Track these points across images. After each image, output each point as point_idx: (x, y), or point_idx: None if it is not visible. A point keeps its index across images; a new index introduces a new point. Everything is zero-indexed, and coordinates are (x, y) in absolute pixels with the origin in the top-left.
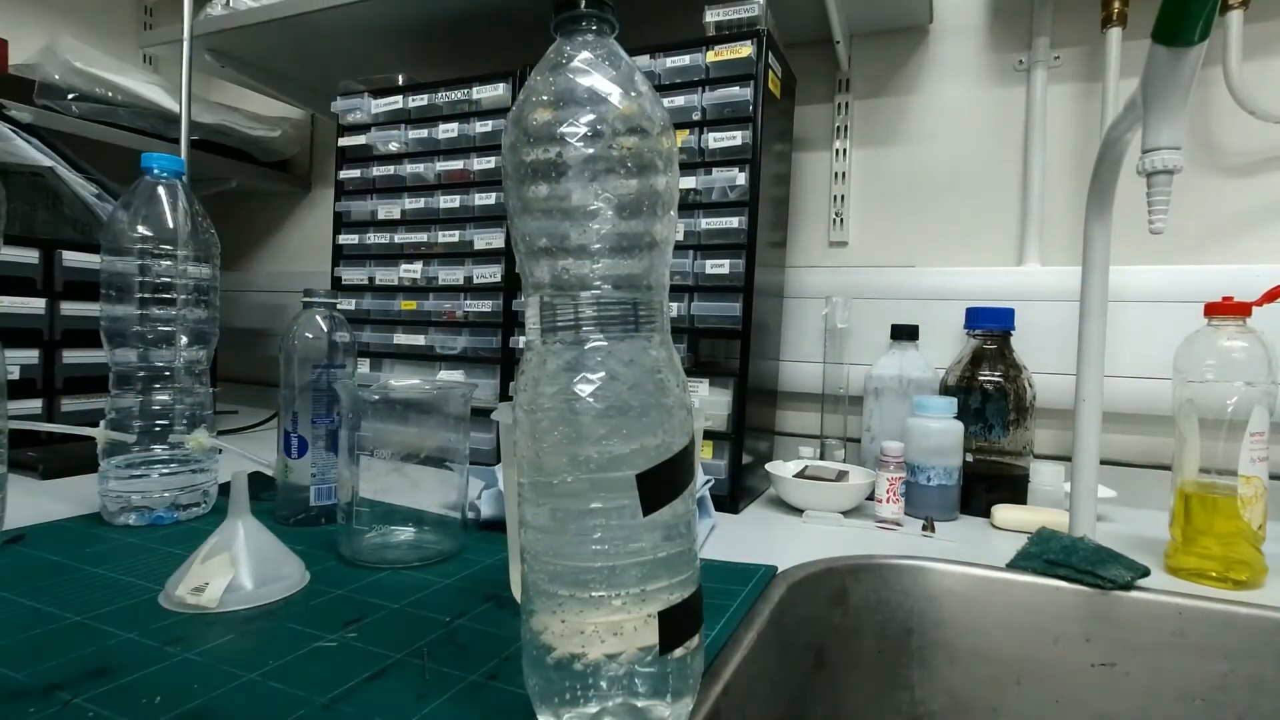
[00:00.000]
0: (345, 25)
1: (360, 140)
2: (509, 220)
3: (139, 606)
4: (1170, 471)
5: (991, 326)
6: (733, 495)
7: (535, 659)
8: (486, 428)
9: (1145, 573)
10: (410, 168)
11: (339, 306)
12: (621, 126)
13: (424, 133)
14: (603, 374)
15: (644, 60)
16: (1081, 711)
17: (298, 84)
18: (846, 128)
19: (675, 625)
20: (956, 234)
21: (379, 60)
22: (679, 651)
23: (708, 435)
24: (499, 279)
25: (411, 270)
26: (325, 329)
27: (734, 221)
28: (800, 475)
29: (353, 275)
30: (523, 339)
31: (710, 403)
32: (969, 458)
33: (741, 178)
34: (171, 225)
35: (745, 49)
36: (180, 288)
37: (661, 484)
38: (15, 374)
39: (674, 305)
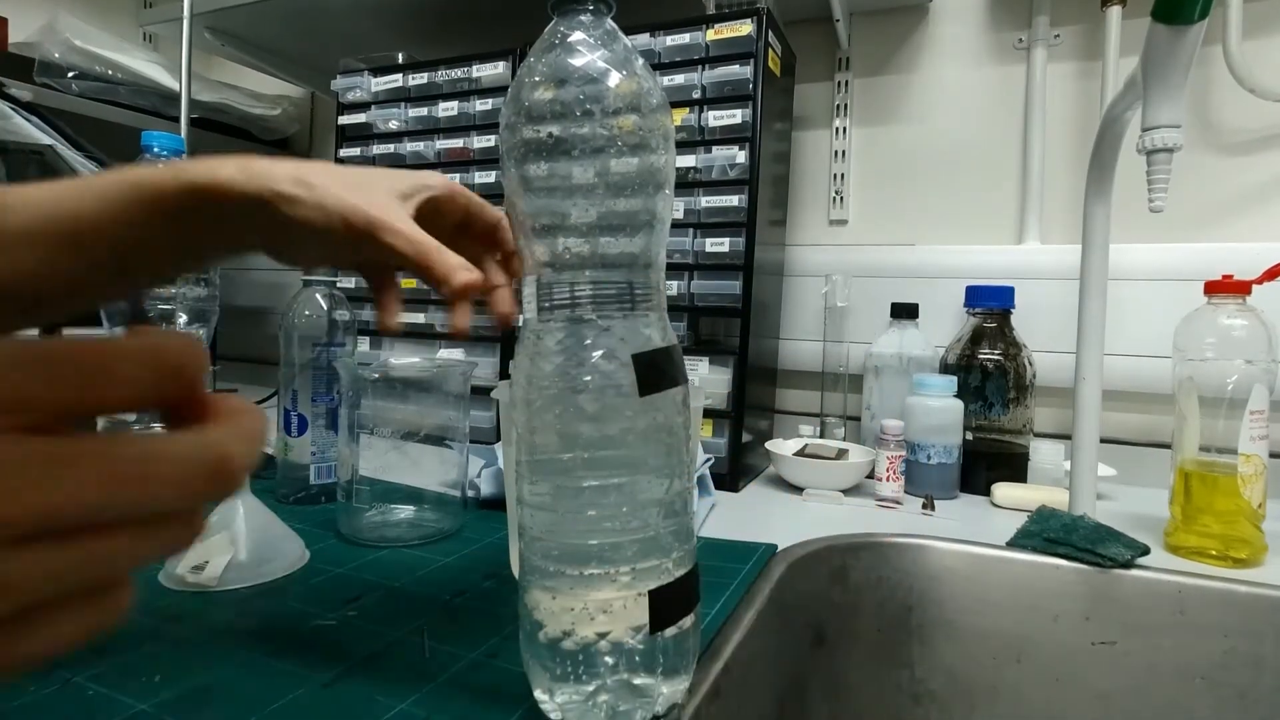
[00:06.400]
0: (345, 2)
1: (360, 118)
2: (506, 200)
3: (139, 584)
4: (1170, 450)
5: (991, 305)
6: (732, 473)
7: (528, 635)
8: (486, 406)
9: (1145, 551)
10: (410, 146)
11: (339, 285)
12: (618, 105)
13: (424, 111)
14: (599, 353)
15: (644, 38)
16: (1081, 690)
17: (297, 62)
18: (846, 106)
19: (666, 604)
20: (956, 212)
21: (379, 38)
22: (671, 630)
23: (708, 414)
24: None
25: None
26: (325, 307)
27: (734, 199)
28: (800, 453)
29: None
30: (521, 317)
31: (710, 381)
32: (969, 436)
33: (741, 156)
34: None
35: (745, 27)
36: None
37: (656, 368)
38: None
39: (674, 283)
